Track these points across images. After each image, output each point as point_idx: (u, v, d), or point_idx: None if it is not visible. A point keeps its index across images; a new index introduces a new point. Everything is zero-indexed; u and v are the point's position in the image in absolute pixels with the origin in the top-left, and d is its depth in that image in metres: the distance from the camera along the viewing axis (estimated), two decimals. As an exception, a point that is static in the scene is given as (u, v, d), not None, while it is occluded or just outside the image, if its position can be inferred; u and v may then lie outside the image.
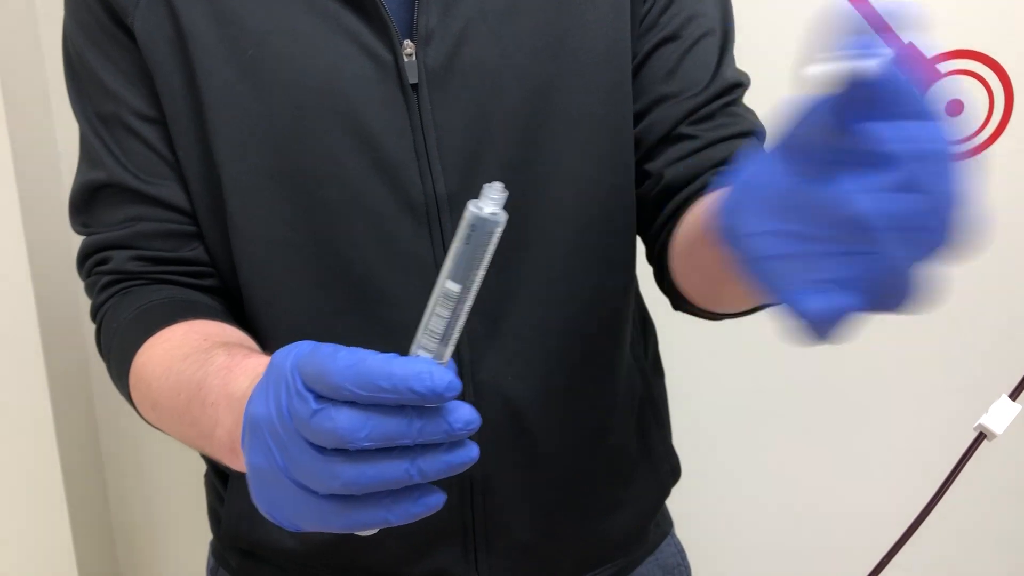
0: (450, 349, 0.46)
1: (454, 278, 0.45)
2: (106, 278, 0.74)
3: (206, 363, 0.60)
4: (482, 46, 0.68)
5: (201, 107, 0.68)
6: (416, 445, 0.45)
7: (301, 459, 0.45)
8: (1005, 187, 1.38)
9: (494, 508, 0.75)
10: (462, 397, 0.71)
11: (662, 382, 0.88)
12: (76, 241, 1.45)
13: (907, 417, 1.48)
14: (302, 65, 0.66)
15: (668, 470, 0.86)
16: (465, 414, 0.45)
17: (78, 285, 1.43)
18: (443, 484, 0.74)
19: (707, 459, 1.49)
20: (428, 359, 0.45)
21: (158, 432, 1.53)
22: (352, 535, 0.74)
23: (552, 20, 0.69)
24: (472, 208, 0.45)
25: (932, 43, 1.33)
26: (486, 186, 0.45)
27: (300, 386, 0.45)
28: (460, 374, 0.71)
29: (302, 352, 0.46)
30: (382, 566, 0.76)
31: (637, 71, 0.75)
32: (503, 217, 0.45)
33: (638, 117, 0.75)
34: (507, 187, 0.70)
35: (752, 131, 0.75)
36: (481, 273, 0.45)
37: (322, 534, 0.74)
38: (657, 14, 0.74)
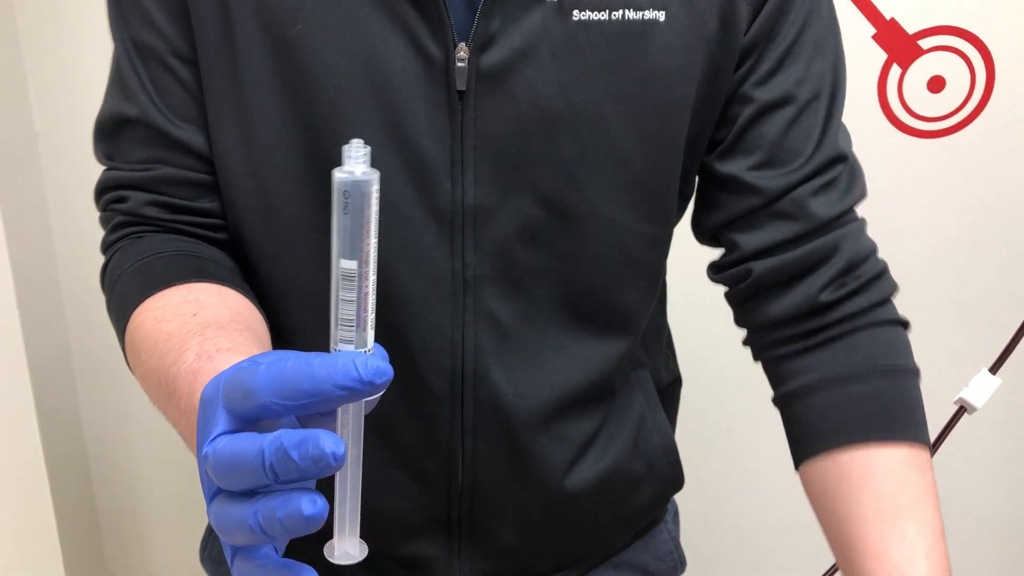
0: (370, 333, 0.43)
1: (346, 255, 0.41)
2: (120, 217, 0.72)
3: (179, 358, 0.57)
4: (539, 68, 0.65)
5: (238, 71, 0.66)
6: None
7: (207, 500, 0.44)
8: (986, 164, 1.38)
9: (479, 510, 0.75)
10: (460, 409, 0.71)
11: (676, 390, 0.87)
12: (55, 229, 1.45)
13: (889, 392, 1.48)
14: (349, 49, 0.64)
15: (669, 485, 0.85)
16: (311, 449, 0.39)
17: (58, 273, 1.43)
18: (436, 478, 0.73)
19: (703, 447, 1.50)
20: (350, 351, 0.42)
21: (141, 420, 1.53)
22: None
23: (618, 61, 0.65)
24: (341, 175, 0.41)
25: (913, 19, 1.33)
26: (346, 147, 0.41)
27: (206, 431, 0.43)
28: (461, 388, 0.71)
29: (227, 378, 0.44)
30: (368, 542, 0.76)
31: (741, 134, 0.72)
32: (375, 175, 0.42)
33: (733, 180, 0.73)
34: (537, 216, 0.68)
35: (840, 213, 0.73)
36: (373, 240, 0.42)
37: None
38: (764, 76, 0.70)
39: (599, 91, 0.66)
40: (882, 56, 1.34)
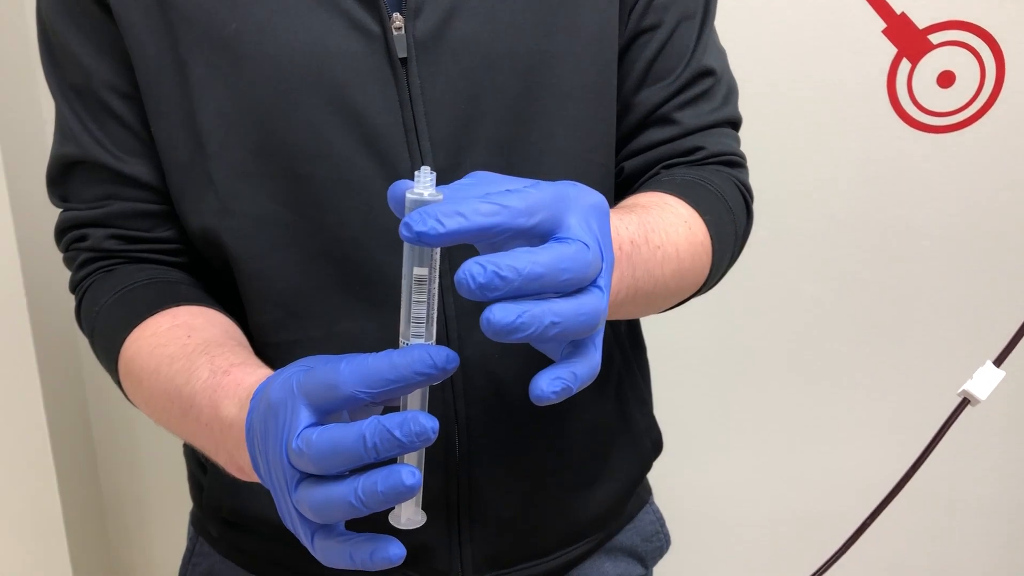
0: (434, 328, 0.49)
1: (418, 264, 0.47)
2: (85, 255, 0.74)
3: (191, 376, 0.61)
4: (473, 21, 0.67)
5: (188, 83, 0.67)
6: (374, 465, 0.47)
7: (287, 490, 0.49)
8: (995, 157, 1.38)
9: (478, 483, 0.75)
10: (449, 376, 0.73)
11: (643, 355, 0.88)
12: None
13: (891, 383, 1.48)
14: (286, 39, 0.66)
15: (649, 445, 0.86)
16: (413, 427, 0.45)
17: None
18: (430, 461, 0.73)
19: (689, 429, 1.50)
20: (420, 344, 0.48)
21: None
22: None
23: None
24: (412, 196, 0.47)
25: (924, 14, 1.33)
26: (418, 173, 0.47)
27: (286, 427, 0.48)
28: None
29: (299, 376, 0.49)
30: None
31: (622, 55, 0.75)
32: (441, 196, 0.47)
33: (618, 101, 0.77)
34: (498, 167, 0.69)
35: (715, 124, 0.78)
36: (437, 250, 0.48)
37: None
38: (646, 3, 0.75)
39: (534, 30, 0.68)
40: (892, 51, 1.34)
